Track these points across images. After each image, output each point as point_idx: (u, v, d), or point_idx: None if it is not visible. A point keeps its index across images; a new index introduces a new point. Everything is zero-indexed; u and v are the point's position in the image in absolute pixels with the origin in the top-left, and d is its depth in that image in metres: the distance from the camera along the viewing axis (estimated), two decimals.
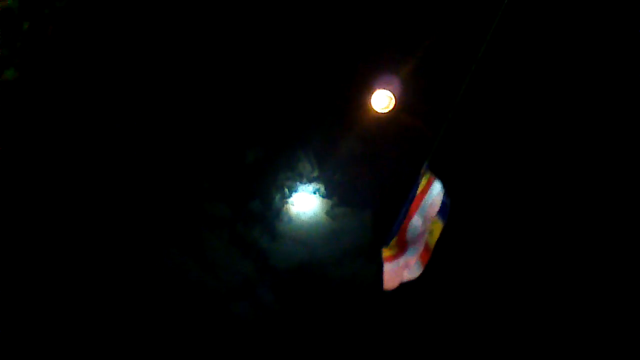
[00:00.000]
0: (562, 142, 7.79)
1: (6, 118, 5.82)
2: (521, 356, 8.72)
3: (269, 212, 10.49)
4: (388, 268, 3.89)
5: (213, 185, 10.41)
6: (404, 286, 4.08)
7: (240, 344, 10.07)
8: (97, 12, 5.97)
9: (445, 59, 8.22)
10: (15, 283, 8.55)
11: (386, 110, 8.18)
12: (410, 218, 3.99)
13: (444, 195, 3.99)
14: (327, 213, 10.45)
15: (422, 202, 4.00)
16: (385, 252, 3.96)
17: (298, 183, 10.50)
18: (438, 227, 3.98)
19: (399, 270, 3.87)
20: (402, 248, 3.93)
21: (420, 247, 3.90)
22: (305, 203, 10.45)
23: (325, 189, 10.49)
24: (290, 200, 10.47)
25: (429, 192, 4.03)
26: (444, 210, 3.99)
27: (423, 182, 4.05)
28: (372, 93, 8.08)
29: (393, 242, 3.97)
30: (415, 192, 4.05)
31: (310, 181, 10.51)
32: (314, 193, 10.47)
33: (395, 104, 8.01)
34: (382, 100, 8.04)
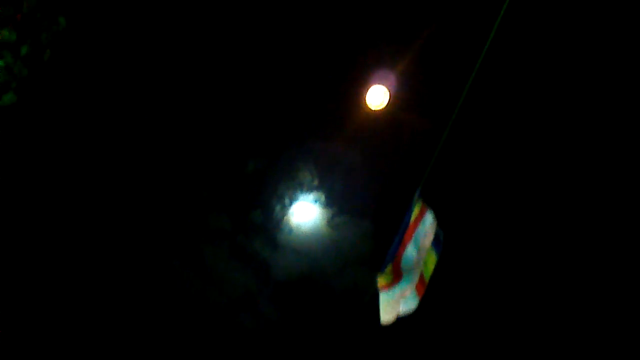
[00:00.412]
0: (559, 162, 7.74)
1: (4, 143, 5.85)
2: None
3: (270, 223, 10.50)
4: (384, 299, 3.90)
5: (213, 197, 10.43)
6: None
7: (242, 355, 10.09)
8: (94, 35, 6.03)
9: (439, 62, 8.22)
10: (16, 302, 8.59)
11: (381, 107, 8.23)
12: (405, 247, 4.00)
13: (436, 227, 4.00)
14: (328, 222, 10.45)
15: (416, 232, 4.01)
16: (381, 281, 3.96)
17: (298, 192, 10.50)
18: (433, 260, 3.98)
19: (395, 302, 3.87)
20: (396, 277, 3.93)
21: (415, 278, 3.91)
22: (305, 213, 10.45)
23: (326, 198, 10.49)
24: (291, 210, 10.48)
25: (422, 221, 4.03)
26: (438, 243, 3.99)
27: (416, 210, 4.05)
28: (367, 90, 8.15)
29: (388, 270, 3.97)
30: (409, 220, 4.06)
31: (310, 190, 10.52)
32: (315, 202, 10.47)
33: (390, 100, 8.05)
34: (377, 97, 8.11)
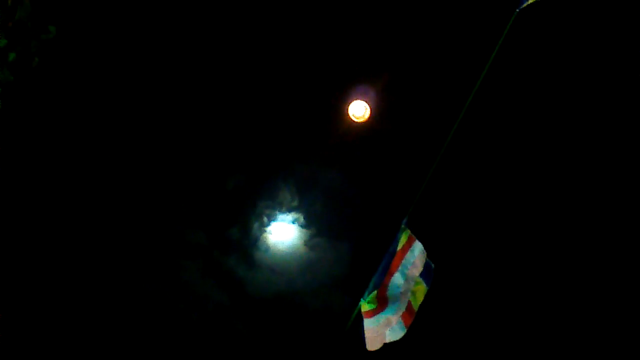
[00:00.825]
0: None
1: None
2: None
3: (247, 240, 10.46)
4: (369, 325, 3.91)
5: (191, 211, 10.36)
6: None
7: None
8: (83, 44, 6.00)
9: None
10: None
11: (362, 119, 8.35)
12: (391, 275, 4.03)
13: (426, 257, 4.05)
14: (305, 243, 10.45)
15: (404, 260, 4.04)
16: (364, 307, 3.98)
17: (277, 212, 10.50)
18: (422, 290, 4.01)
19: (380, 328, 3.89)
20: (382, 304, 3.95)
21: (402, 306, 3.92)
22: (283, 232, 10.45)
23: (305, 218, 10.51)
24: (269, 229, 10.47)
25: (410, 250, 4.07)
26: (428, 274, 4.03)
27: (403, 238, 4.09)
28: (350, 104, 8.31)
29: (372, 297, 3.99)
30: (395, 249, 4.10)
31: (289, 210, 10.53)
32: (293, 223, 10.48)
33: (371, 114, 8.18)
34: (358, 110, 8.25)
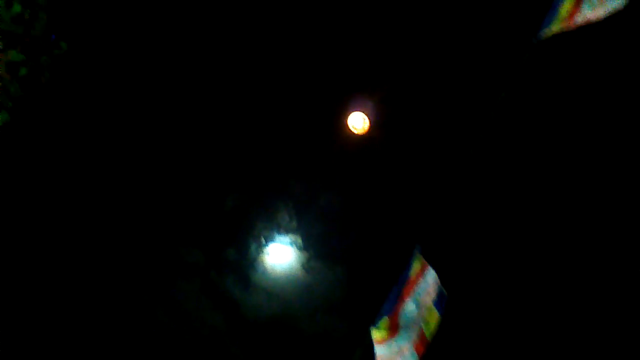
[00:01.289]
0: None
1: None
2: None
3: (244, 261, 10.38)
4: (381, 352, 3.85)
5: (188, 230, 10.29)
6: None
7: None
8: (94, 61, 6.04)
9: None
10: None
11: (362, 131, 8.38)
12: (403, 301, 3.99)
13: (439, 285, 4.02)
14: (303, 266, 10.39)
15: (416, 287, 4.01)
16: (375, 334, 3.92)
17: (275, 233, 10.46)
18: (434, 318, 3.97)
19: (393, 356, 3.83)
20: (393, 331, 3.90)
21: (414, 335, 3.88)
22: (281, 254, 10.38)
23: (303, 241, 10.46)
24: (266, 250, 10.40)
25: (423, 277, 4.04)
26: (441, 302, 3.99)
27: (416, 265, 4.06)
28: (348, 116, 8.36)
29: (384, 323, 3.94)
30: (408, 275, 4.07)
31: (287, 232, 10.48)
32: (291, 245, 10.42)
33: (370, 126, 8.22)
34: (358, 121, 8.31)
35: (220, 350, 10.02)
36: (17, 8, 4.33)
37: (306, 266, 10.34)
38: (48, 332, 8.90)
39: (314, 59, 8.88)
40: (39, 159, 7.11)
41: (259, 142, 9.93)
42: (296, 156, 9.99)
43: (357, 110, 8.76)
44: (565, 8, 3.65)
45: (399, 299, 3.98)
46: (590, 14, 3.46)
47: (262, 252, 10.33)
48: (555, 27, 3.69)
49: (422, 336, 3.94)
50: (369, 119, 8.72)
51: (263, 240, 10.38)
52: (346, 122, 8.87)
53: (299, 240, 10.38)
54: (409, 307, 3.98)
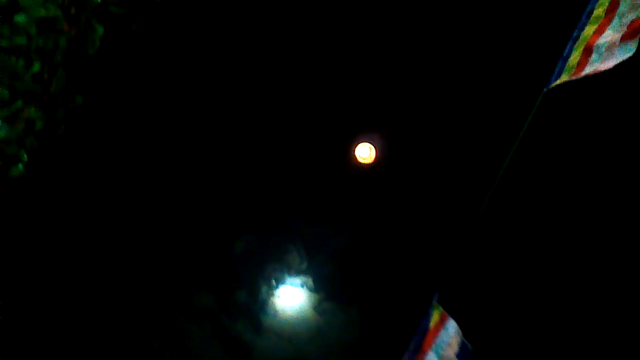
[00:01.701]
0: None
1: (11, 215, 5.75)
2: None
3: (255, 305, 10.30)
4: None
5: (198, 274, 10.25)
6: None
7: None
8: (108, 115, 6.17)
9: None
10: None
11: (368, 161, 8.43)
12: (424, 354, 3.92)
13: (462, 337, 3.95)
14: (314, 308, 10.29)
15: (437, 339, 3.95)
16: None
17: (286, 275, 10.40)
18: None
19: None
20: None
21: None
22: (292, 296, 10.31)
23: (314, 282, 10.39)
24: (277, 292, 10.33)
25: (443, 329, 3.98)
26: (464, 355, 3.92)
27: (435, 315, 4.02)
28: (355, 147, 8.44)
29: None
30: (427, 326, 4.02)
31: (298, 274, 10.42)
32: (302, 286, 10.36)
33: (376, 156, 8.27)
34: (364, 152, 8.40)
35: None
36: (36, 67, 4.43)
37: (318, 308, 10.24)
38: None
39: (318, 96, 9.01)
40: (55, 210, 7.20)
41: (265, 181, 9.99)
42: (304, 194, 10.02)
43: (363, 141, 8.89)
44: (574, 58, 3.72)
45: (419, 351, 3.92)
46: (599, 64, 3.52)
47: (273, 294, 10.26)
48: (565, 77, 3.75)
49: None
50: (375, 148, 8.84)
51: (273, 282, 10.33)
52: (353, 153, 8.99)
53: (310, 282, 10.32)
54: (431, 359, 3.92)
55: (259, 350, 10.10)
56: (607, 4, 3.66)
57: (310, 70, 8.74)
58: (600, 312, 7.53)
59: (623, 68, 3.35)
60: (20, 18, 3.95)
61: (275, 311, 10.26)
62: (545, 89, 3.87)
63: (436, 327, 3.99)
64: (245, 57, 8.68)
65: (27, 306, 8.31)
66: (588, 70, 3.58)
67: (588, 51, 3.63)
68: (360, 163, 9.02)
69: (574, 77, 3.67)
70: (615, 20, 3.54)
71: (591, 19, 3.75)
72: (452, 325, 4.00)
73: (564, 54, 3.82)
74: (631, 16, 3.45)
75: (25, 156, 5.40)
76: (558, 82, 3.80)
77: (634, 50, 3.47)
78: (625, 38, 3.41)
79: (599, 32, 3.63)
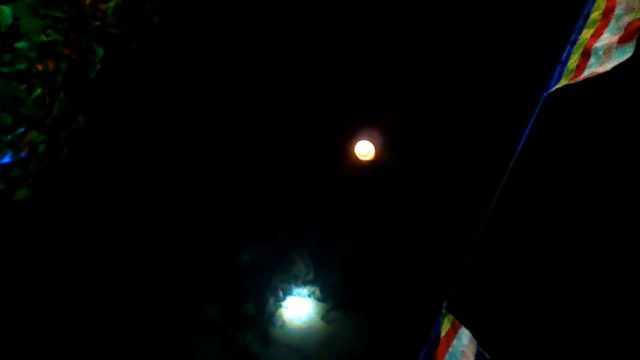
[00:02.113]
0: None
1: (17, 237, 5.78)
2: None
3: (263, 316, 10.28)
4: None
5: (205, 287, 10.24)
6: None
7: None
8: (110, 135, 6.20)
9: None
10: None
11: (368, 158, 8.44)
12: None
13: (477, 346, 3.90)
14: (322, 317, 10.26)
15: (451, 349, 3.90)
16: None
17: (293, 286, 10.38)
18: None
19: None
20: None
21: None
22: (299, 307, 10.28)
23: (321, 291, 10.37)
24: (285, 303, 10.31)
25: (456, 338, 3.93)
26: None
27: (446, 324, 3.98)
28: (355, 145, 8.45)
29: None
30: (438, 335, 3.98)
31: (305, 284, 10.41)
32: (309, 296, 10.33)
33: (375, 153, 8.28)
34: (363, 149, 8.42)
35: None
36: (38, 91, 4.45)
37: (326, 317, 10.21)
38: None
39: (316, 96, 9.00)
40: (61, 228, 7.22)
41: (268, 188, 9.99)
42: (307, 200, 10.01)
43: (362, 139, 8.92)
44: (572, 62, 3.72)
45: None
46: (597, 67, 3.53)
47: (281, 305, 10.24)
48: (564, 81, 3.75)
49: None
50: (374, 145, 8.86)
51: (281, 293, 10.31)
52: (353, 150, 9.01)
53: (317, 292, 10.29)
54: None
55: None
56: (603, 7, 3.67)
57: (310, 71, 8.74)
58: (610, 311, 7.49)
59: (621, 70, 3.36)
60: (21, 44, 3.97)
61: (283, 322, 10.24)
62: (545, 94, 3.87)
63: (448, 336, 3.95)
64: (243, 70, 8.71)
65: (35, 326, 8.31)
66: (587, 73, 3.58)
67: (586, 55, 3.64)
68: (361, 160, 9.04)
69: (573, 81, 3.67)
70: (612, 23, 3.55)
71: (588, 22, 3.76)
72: (465, 334, 3.95)
73: (562, 58, 3.83)
74: (627, 19, 3.46)
75: (30, 179, 5.42)
76: (557, 86, 3.80)
77: (631, 53, 3.47)
78: (622, 40, 3.42)
79: (597, 35, 3.64)
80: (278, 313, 10.27)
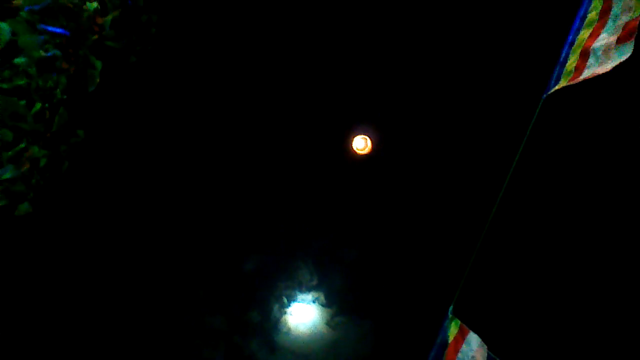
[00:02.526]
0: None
1: (19, 252, 5.78)
2: None
3: (268, 323, 10.26)
4: None
5: (209, 296, 10.24)
6: None
7: None
8: (110, 148, 6.21)
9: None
10: None
11: (365, 151, 8.49)
12: None
13: (487, 350, 3.86)
14: (327, 323, 10.25)
15: (460, 354, 3.86)
16: None
17: (297, 292, 10.37)
18: None
19: None
20: None
21: None
22: (304, 313, 10.27)
23: (325, 297, 10.36)
24: (289, 310, 10.29)
25: (465, 342, 3.91)
26: None
27: (453, 329, 3.96)
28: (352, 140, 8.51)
29: None
30: (445, 340, 3.96)
31: (309, 290, 10.40)
32: (314, 302, 10.32)
33: (371, 146, 8.32)
34: (361, 143, 8.48)
35: None
36: (38, 106, 4.46)
37: (331, 323, 10.20)
38: None
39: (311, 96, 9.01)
40: (63, 241, 7.22)
41: (271, 201, 10.00)
42: (307, 204, 10.00)
43: (358, 134, 9.00)
44: (571, 63, 3.72)
45: None
46: (597, 67, 3.53)
47: (285, 312, 10.23)
48: (563, 82, 3.75)
49: None
50: (370, 139, 8.92)
51: (285, 300, 10.29)
52: (350, 145, 9.07)
53: (322, 297, 10.28)
54: None
55: None
56: (600, 7, 3.68)
57: (309, 73, 8.76)
58: (617, 312, 7.45)
59: (621, 70, 3.36)
60: (20, 60, 3.98)
61: (289, 329, 10.22)
62: (544, 95, 3.87)
63: (456, 341, 3.92)
64: (241, 80, 8.73)
65: (40, 338, 8.30)
66: (586, 73, 3.58)
67: (585, 55, 3.64)
68: (357, 154, 9.09)
69: (572, 82, 3.67)
70: (610, 23, 3.56)
71: (585, 22, 3.76)
72: (474, 339, 3.92)
73: (561, 59, 3.83)
74: (625, 18, 3.46)
75: (31, 193, 5.41)
76: (557, 87, 3.80)
77: (630, 52, 3.48)
78: (621, 40, 3.42)
79: (594, 35, 3.64)
80: (283, 320, 10.26)
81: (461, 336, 3.92)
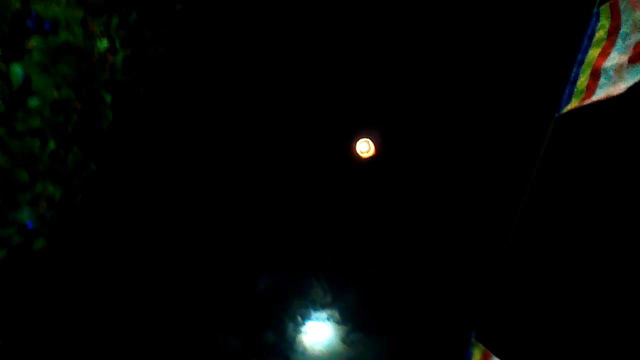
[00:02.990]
0: None
1: (36, 290, 5.79)
2: None
3: (283, 344, 10.23)
4: None
5: (223, 318, 10.22)
6: None
7: None
8: (125, 179, 6.25)
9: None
10: None
11: (368, 155, 8.51)
12: None
13: None
14: (343, 340, 10.21)
15: None
16: None
17: (311, 310, 10.35)
18: None
19: None
20: None
21: None
22: (319, 331, 10.24)
23: (340, 314, 10.33)
24: (304, 329, 10.27)
25: None
26: None
27: (476, 354, 3.95)
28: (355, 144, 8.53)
29: None
30: None
31: (323, 307, 10.37)
32: (328, 320, 10.29)
33: (375, 150, 8.34)
34: (364, 146, 8.50)
35: None
36: (52, 145, 4.50)
37: (346, 340, 10.15)
38: None
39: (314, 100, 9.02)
40: (79, 273, 7.26)
41: (281, 217, 10.01)
42: (319, 218, 9.99)
43: (361, 138, 9.03)
44: (582, 82, 3.72)
45: None
46: (610, 88, 3.52)
47: (300, 331, 10.20)
48: (575, 102, 3.75)
49: None
50: (373, 143, 8.94)
51: (299, 318, 10.27)
52: (354, 149, 9.10)
53: (336, 314, 10.25)
54: None
55: None
56: (607, 26, 3.68)
57: (308, 75, 8.77)
58: None
59: (635, 91, 3.35)
60: (33, 102, 4.03)
61: (304, 348, 10.19)
62: (557, 114, 3.86)
63: None
64: (247, 102, 8.77)
65: None
66: (600, 94, 3.58)
67: (596, 75, 3.63)
68: (362, 157, 9.10)
69: (586, 102, 3.67)
70: (619, 42, 3.55)
71: (594, 41, 3.76)
72: None
73: (571, 78, 3.83)
74: (635, 38, 3.46)
75: (46, 230, 5.44)
76: (570, 107, 3.80)
77: None
78: (632, 61, 3.41)
79: (604, 54, 3.64)
80: (298, 339, 10.23)
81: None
